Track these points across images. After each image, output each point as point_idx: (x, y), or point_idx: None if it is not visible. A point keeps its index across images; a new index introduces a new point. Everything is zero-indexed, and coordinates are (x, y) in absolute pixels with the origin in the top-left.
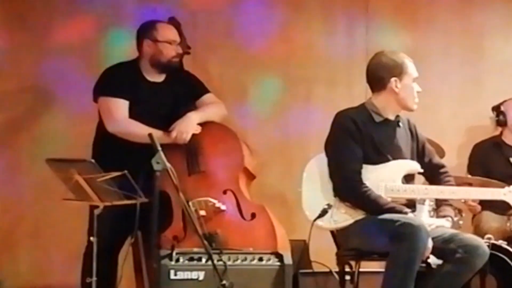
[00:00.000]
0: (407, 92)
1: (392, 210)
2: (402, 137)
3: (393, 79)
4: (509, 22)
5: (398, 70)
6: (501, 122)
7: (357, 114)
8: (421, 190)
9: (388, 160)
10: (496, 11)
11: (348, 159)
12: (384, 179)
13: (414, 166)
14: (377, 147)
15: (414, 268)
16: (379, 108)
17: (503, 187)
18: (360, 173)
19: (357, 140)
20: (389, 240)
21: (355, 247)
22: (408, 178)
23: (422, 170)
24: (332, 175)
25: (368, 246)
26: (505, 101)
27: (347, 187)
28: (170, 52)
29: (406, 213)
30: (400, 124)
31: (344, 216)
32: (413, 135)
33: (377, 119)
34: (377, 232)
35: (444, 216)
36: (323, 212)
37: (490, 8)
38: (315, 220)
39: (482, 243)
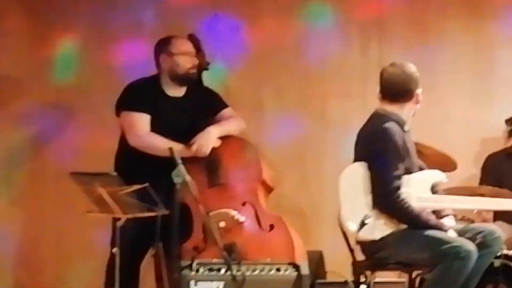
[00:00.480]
0: (417, 104)
1: (434, 227)
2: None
3: (418, 90)
4: None
5: (419, 82)
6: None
7: (399, 128)
8: (448, 199)
9: (416, 168)
10: (505, 24)
11: (394, 177)
12: (415, 190)
13: (440, 177)
14: (411, 159)
15: (459, 285)
16: (405, 118)
17: None
18: (400, 188)
19: (402, 156)
20: (436, 256)
21: (385, 256)
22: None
23: (447, 180)
24: (376, 188)
25: (403, 257)
26: None
27: (390, 203)
28: (186, 63)
29: (446, 230)
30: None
31: (384, 227)
32: None
33: (406, 128)
34: (420, 246)
35: (446, 215)
36: (363, 223)
37: (499, 21)
38: (358, 231)
39: (497, 228)
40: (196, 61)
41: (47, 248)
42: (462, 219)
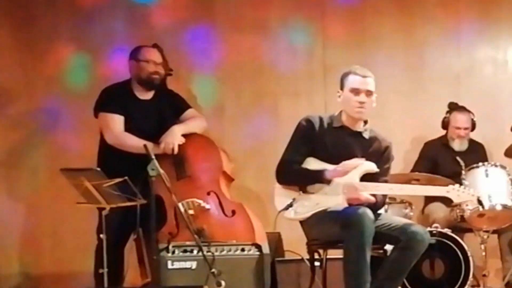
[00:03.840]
0: (345, 103)
1: (316, 174)
2: (361, 149)
3: (337, 91)
4: (446, 37)
5: (341, 83)
6: (444, 126)
7: (320, 118)
8: (374, 186)
9: (336, 163)
10: (434, 27)
11: (289, 151)
12: (343, 178)
13: (370, 167)
14: (328, 148)
15: (365, 251)
16: (343, 116)
17: (446, 183)
18: (297, 163)
19: (304, 138)
20: (341, 228)
21: (315, 237)
22: (366, 179)
23: (378, 170)
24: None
25: (325, 236)
26: (454, 110)
27: (280, 171)
28: (148, 68)
29: (327, 176)
30: (365, 136)
31: (305, 209)
32: (379, 153)
33: (335, 124)
34: (331, 223)
35: None
36: (289, 205)
37: (429, 25)
38: (280, 211)
39: (421, 230)
40: (160, 69)
41: (45, 235)
42: (401, 202)
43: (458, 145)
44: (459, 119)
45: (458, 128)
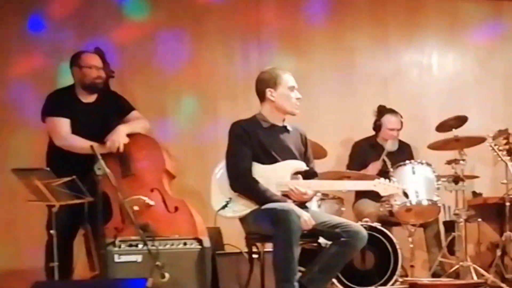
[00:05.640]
0: (283, 100)
1: (276, 200)
2: (291, 141)
3: (267, 90)
4: (375, 41)
5: (272, 82)
6: (376, 128)
7: (247, 123)
8: (305, 184)
9: (276, 159)
10: (363, 33)
11: (240, 159)
12: (275, 176)
13: (300, 165)
14: (266, 148)
15: (292, 245)
16: (266, 116)
17: (375, 179)
18: (250, 170)
19: (246, 143)
20: (271, 225)
21: (252, 232)
22: (296, 176)
23: (307, 168)
24: (229, 173)
25: (261, 232)
26: (386, 113)
27: (241, 182)
28: (91, 74)
29: (285, 201)
30: (289, 129)
31: (242, 207)
32: (303, 141)
33: (265, 125)
34: (264, 219)
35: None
36: (225, 205)
37: (358, 30)
38: (218, 210)
39: (362, 229)
40: (102, 73)
41: None
42: (334, 198)
43: (391, 146)
44: (393, 121)
45: (392, 129)
